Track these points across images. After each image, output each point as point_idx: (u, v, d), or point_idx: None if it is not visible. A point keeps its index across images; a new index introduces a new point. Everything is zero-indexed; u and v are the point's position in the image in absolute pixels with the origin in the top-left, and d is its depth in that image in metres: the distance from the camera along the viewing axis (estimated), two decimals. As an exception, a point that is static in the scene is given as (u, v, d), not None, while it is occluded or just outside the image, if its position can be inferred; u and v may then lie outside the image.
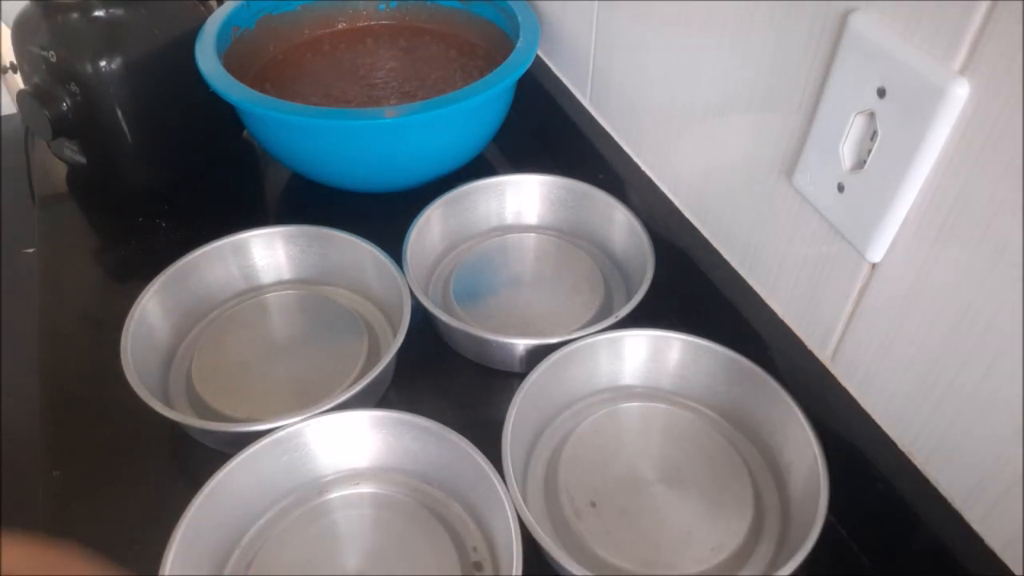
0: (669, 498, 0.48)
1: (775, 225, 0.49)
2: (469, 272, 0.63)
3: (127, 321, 0.53)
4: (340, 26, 0.82)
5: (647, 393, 0.55)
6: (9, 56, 0.68)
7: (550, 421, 0.53)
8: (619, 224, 0.63)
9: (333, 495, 0.49)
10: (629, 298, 0.55)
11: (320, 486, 0.50)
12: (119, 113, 0.65)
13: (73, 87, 0.64)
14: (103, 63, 0.63)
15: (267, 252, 0.62)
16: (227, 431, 0.49)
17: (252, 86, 0.63)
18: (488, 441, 0.46)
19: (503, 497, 0.44)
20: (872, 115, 0.38)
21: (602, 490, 0.49)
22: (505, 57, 0.66)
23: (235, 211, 0.72)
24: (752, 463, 0.51)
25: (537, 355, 0.52)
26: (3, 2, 0.70)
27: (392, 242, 0.59)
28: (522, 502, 0.43)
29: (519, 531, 0.42)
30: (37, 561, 0.28)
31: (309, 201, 0.73)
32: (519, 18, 0.70)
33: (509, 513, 0.43)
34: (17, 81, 0.69)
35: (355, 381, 0.51)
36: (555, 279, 0.63)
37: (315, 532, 0.47)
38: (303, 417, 0.48)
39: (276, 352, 0.57)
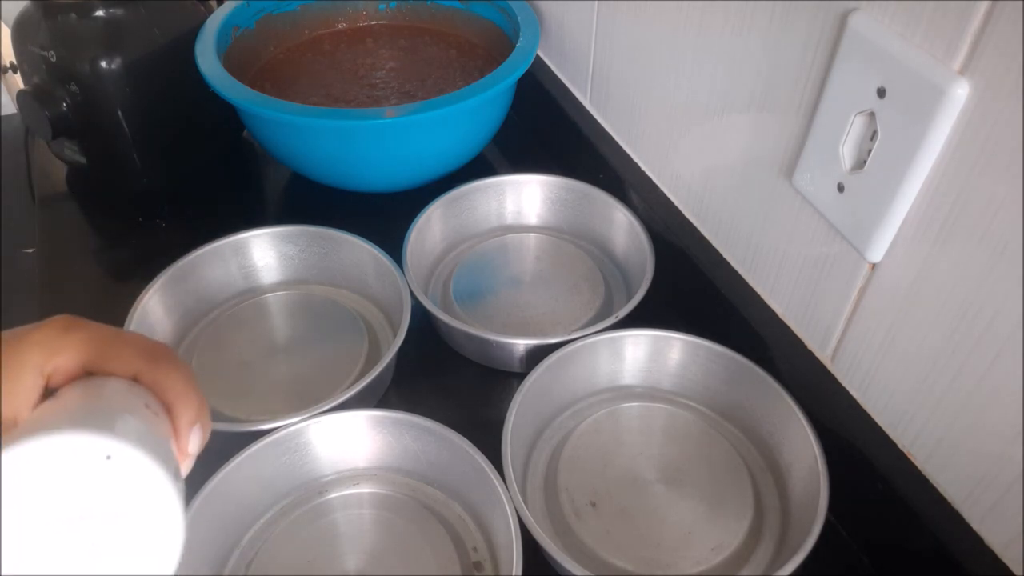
0: (669, 498, 0.48)
1: (775, 225, 0.49)
2: (469, 272, 0.63)
3: (127, 321, 0.53)
4: (340, 26, 0.82)
5: (647, 393, 0.55)
6: (9, 56, 0.68)
7: (550, 421, 0.53)
8: (619, 224, 0.63)
9: (333, 495, 0.49)
10: (629, 298, 0.55)
11: (320, 486, 0.50)
12: (119, 113, 0.65)
13: (73, 87, 0.64)
14: (103, 63, 0.63)
15: (267, 252, 0.62)
16: (227, 431, 0.49)
17: (252, 86, 0.63)
18: (488, 441, 0.46)
19: (503, 497, 0.44)
20: (872, 115, 0.38)
21: (602, 490, 0.49)
22: (505, 57, 0.66)
23: (235, 211, 0.72)
24: (752, 463, 0.51)
25: (537, 355, 0.52)
26: (3, 2, 0.70)
27: (392, 242, 0.59)
28: (522, 502, 0.43)
29: (519, 531, 0.42)
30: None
31: (309, 201, 0.73)
32: (519, 18, 0.70)
33: (509, 513, 0.43)
34: (17, 81, 0.69)
35: (355, 381, 0.51)
36: (555, 279, 0.63)
37: (315, 532, 0.47)
38: (303, 417, 0.48)
39: (276, 352, 0.57)
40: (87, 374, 0.28)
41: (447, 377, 0.58)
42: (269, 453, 0.47)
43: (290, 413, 0.48)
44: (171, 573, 0.25)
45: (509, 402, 0.48)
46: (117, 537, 0.25)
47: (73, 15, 0.63)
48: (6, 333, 0.27)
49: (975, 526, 0.40)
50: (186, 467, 0.31)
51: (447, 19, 0.81)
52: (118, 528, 0.24)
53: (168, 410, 0.29)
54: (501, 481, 0.44)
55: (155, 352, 0.29)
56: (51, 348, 0.27)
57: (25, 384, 0.27)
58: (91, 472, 0.24)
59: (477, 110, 0.66)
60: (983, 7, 0.32)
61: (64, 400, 0.26)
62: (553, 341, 0.53)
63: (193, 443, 0.30)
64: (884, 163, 0.38)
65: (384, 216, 0.64)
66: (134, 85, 0.64)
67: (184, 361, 0.31)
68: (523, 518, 0.43)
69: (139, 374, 0.28)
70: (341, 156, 0.65)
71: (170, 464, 0.26)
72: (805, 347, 0.49)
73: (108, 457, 0.24)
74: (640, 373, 0.55)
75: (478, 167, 0.72)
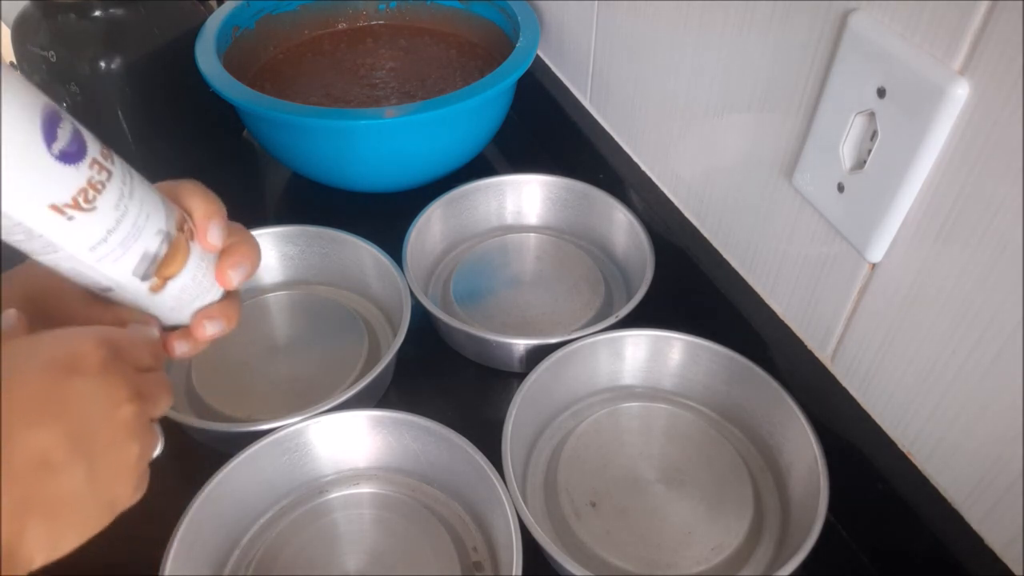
0: (669, 498, 0.48)
1: (775, 225, 0.49)
2: (469, 272, 0.63)
3: (127, 321, 0.53)
4: (340, 26, 0.82)
5: (647, 393, 0.55)
6: (9, 56, 0.68)
7: (550, 421, 0.53)
8: (619, 224, 0.63)
9: (333, 495, 0.49)
10: (629, 298, 0.55)
11: (320, 486, 0.50)
12: (119, 113, 0.65)
13: (73, 87, 0.64)
14: (103, 63, 0.63)
15: (267, 252, 0.62)
16: (227, 431, 0.49)
17: (252, 86, 0.63)
18: (488, 441, 0.46)
19: (503, 497, 0.44)
20: (872, 115, 0.38)
21: (602, 490, 0.49)
22: (505, 57, 0.66)
23: (235, 211, 0.72)
24: (752, 463, 0.51)
25: (537, 355, 0.52)
26: (3, 2, 0.70)
27: (392, 242, 0.59)
28: (522, 502, 0.43)
29: (519, 531, 0.42)
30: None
31: (309, 201, 0.73)
32: (519, 18, 0.70)
33: (509, 513, 0.43)
34: (17, 81, 0.69)
35: (355, 381, 0.51)
36: (555, 279, 0.63)
37: (315, 532, 0.47)
38: (303, 417, 0.48)
39: (276, 352, 0.57)
40: None
41: (447, 377, 0.58)
42: (269, 453, 0.47)
43: (290, 413, 0.48)
44: None
45: (509, 402, 0.48)
46: None
47: (73, 15, 0.63)
48: None
49: (975, 526, 0.40)
50: (236, 270, 0.39)
51: (447, 19, 0.81)
52: None
53: (188, 213, 0.36)
54: (501, 481, 0.44)
55: (179, 182, 0.36)
56: None
57: None
58: None
59: (477, 110, 0.66)
60: (983, 7, 0.32)
61: None
62: (553, 341, 0.53)
63: (212, 234, 0.36)
64: (884, 163, 0.38)
65: (384, 216, 0.64)
66: (134, 85, 0.64)
67: (209, 192, 0.38)
68: (523, 518, 0.43)
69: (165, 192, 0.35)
70: (341, 156, 0.65)
71: None
72: (805, 347, 0.49)
73: None
74: (640, 373, 0.55)
75: (478, 167, 0.72)
